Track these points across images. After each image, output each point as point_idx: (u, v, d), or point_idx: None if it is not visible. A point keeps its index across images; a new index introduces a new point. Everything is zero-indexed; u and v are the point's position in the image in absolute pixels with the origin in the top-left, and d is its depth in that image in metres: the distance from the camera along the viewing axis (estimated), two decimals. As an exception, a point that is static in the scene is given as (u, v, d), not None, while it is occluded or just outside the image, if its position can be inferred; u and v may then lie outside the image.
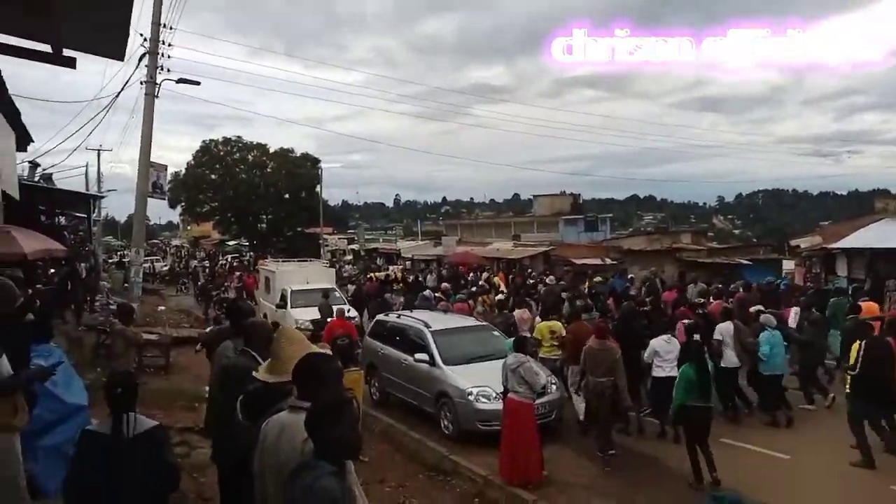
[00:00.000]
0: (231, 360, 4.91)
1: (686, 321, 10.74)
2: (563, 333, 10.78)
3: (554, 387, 9.51)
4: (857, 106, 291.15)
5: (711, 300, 14.30)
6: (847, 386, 8.33)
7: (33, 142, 17.56)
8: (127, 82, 17.81)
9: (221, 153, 52.24)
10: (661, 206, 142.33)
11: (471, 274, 27.15)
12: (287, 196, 51.99)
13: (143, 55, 17.26)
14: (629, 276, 23.29)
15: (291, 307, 17.55)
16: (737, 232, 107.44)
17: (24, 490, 4.83)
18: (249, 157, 52.82)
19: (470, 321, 12.39)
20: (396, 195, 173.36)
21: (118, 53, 6.92)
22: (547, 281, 22.06)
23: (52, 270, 18.26)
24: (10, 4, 5.29)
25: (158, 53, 17.32)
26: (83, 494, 3.81)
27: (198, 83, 18.66)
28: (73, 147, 38.46)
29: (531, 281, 22.40)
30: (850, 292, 15.74)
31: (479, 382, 9.21)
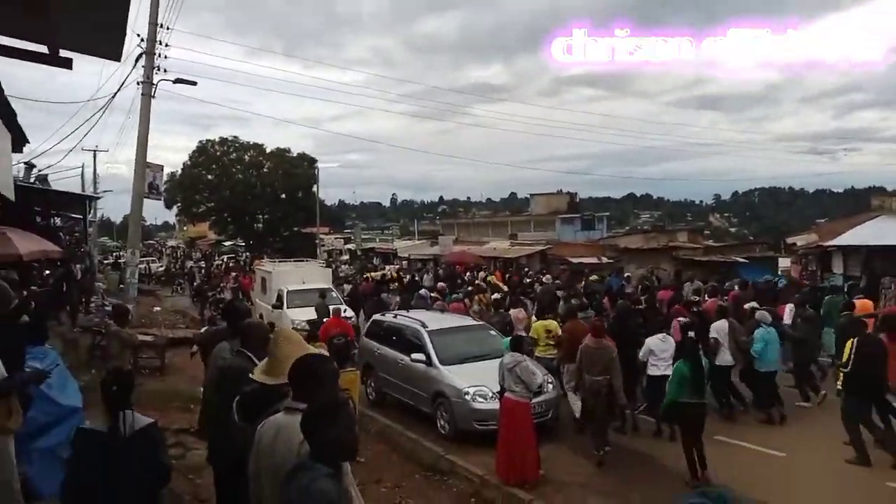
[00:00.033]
0: (227, 361, 4.90)
1: (681, 319, 10.76)
2: (559, 332, 10.79)
3: (550, 386, 9.52)
4: (856, 103, 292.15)
5: (706, 298, 14.33)
6: (839, 383, 8.37)
7: (29, 143, 17.56)
8: (123, 83, 17.73)
9: (218, 153, 52.18)
10: (658, 205, 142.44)
11: (467, 273, 27.16)
12: (284, 196, 51.97)
13: (140, 55, 17.19)
14: (626, 275, 23.31)
15: (288, 308, 17.54)
16: (733, 230, 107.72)
17: (18, 493, 4.81)
18: (246, 157, 52.78)
19: (467, 321, 12.39)
20: (393, 195, 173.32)
21: (115, 54, 6.89)
22: (543, 280, 22.08)
23: (48, 272, 18.25)
24: (8, 5, 5.26)
25: (155, 54, 17.25)
26: (80, 492, 3.84)
27: (194, 83, 18.60)
28: (69, 148, 38.21)
29: (528, 280, 22.42)
30: (846, 290, 15.78)
31: (476, 382, 9.21)
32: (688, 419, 7.77)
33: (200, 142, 52.88)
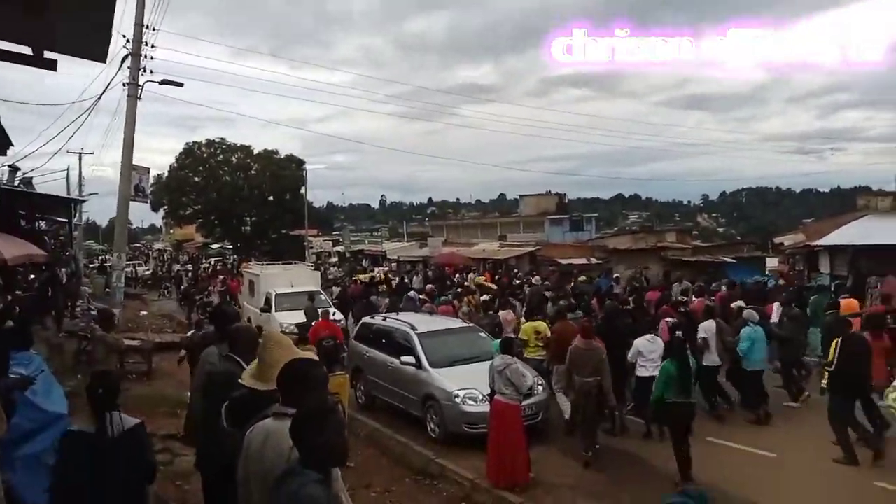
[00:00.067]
0: (216, 366, 4.86)
1: (669, 320, 10.80)
2: (548, 334, 10.80)
3: (540, 388, 9.52)
4: (841, 103, 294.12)
5: (694, 298, 14.40)
6: (823, 381, 8.44)
7: (13, 145, 17.30)
8: (109, 84, 17.60)
9: (205, 155, 51.91)
10: (647, 205, 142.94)
11: (457, 275, 27.15)
12: (271, 198, 51.77)
13: (126, 57, 17.06)
14: (615, 276, 23.38)
15: (276, 311, 17.46)
16: (721, 230, 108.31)
17: (2, 500, 4.75)
18: (233, 158, 52.54)
19: (456, 323, 12.38)
20: (382, 196, 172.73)
21: (100, 55, 6.82)
22: (533, 281, 22.12)
23: (33, 276, 18.05)
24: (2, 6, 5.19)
25: (141, 55, 17.14)
26: (67, 494, 3.86)
27: (181, 85, 18.48)
28: (54, 150, 37.95)
29: (517, 281, 22.44)
30: (832, 289, 15.90)
31: (466, 385, 9.19)
32: (676, 418, 7.80)
33: (187, 144, 52.67)
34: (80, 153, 39.31)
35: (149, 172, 24.43)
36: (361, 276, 28.56)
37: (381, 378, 10.96)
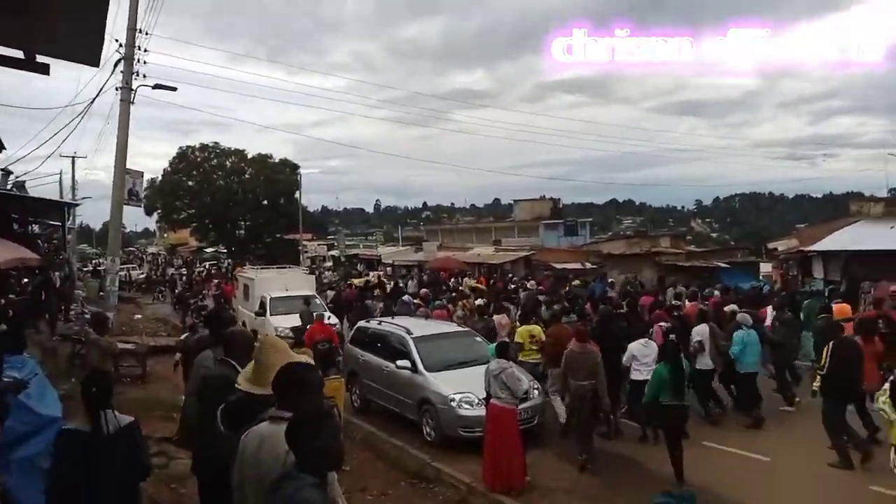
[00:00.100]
0: (211, 369, 4.85)
1: (663, 324, 10.83)
2: (543, 337, 10.82)
3: (536, 392, 9.52)
4: (833, 110, 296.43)
5: (686, 302, 14.44)
6: (815, 384, 8.48)
7: (5, 149, 17.28)
8: (102, 88, 17.57)
9: (199, 159, 51.90)
10: (641, 210, 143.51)
11: (452, 279, 27.16)
12: (265, 202, 51.76)
13: (119, 61, 17.05)
14: (610, 281, 23.43)
15: (271, 315, 17.39)
16: (714, 235, 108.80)
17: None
18: (227, 163, 52.54)
19: (452, 327, 12.36)
20: (377, 201, 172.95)
21: (93, 59, 6.81)
22: (528, 286, 22.14)
23: (26, 280, 18.00)
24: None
25: (134, 59, 17.12)
26: (63, 493, 3.89)
27: (174, 89, 18.46)
28: (47, 154, 37.91)
29: (512, 286, 22.47)
30: (826, 294, 15.96)
31: (462, 388, 9.18)
32: (669, 421, 7.82)
33: (181, 148, 52.74)
34: (74, 157, 39.26)
35: (142, 176, 24.35)
36: (356, 281, 28.52)
37: (376, 382, 10.94)
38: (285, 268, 24.65)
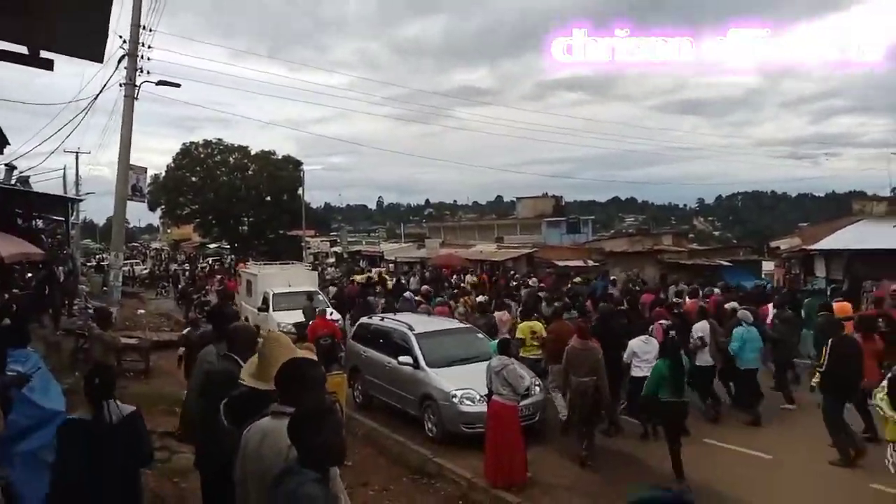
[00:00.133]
0: (214, 365, 4.86)
1: (663, 322, 10.85)
2: (544, 334, 10.84)
3: (537, 388, 9.54)
4: (835, 109, 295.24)
5: (687, 300, 14.44)
6: (813, 381, 8.51)
7: (9, 144, 17.30)
8: (106, 84, 17.66)
9: (202, 155, 51.93)
10: (643, 208, 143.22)
11: (454, 276, 27.17)
12: (268, 198, 51.80)
13: (123, 57, 17.10)
14: (612, 278, 23.43)
15: (273, 310, 17.46)
16: (717, 233, 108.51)
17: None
18: (230, 159, 52.55)
19: (454, 323, 12.39)
20: (379, 197, 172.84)
21: (97, 55, 6.83)
22: (530, 283, 22.15)
23: (30, 274, 18.04)
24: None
25: (138, 55, 17.17)
26: (67, 481, 3.94)
27: (178, 85, 18.54)
28: (51, 150, 37.96)
29: (514, 283, 22.48)
30: (828, 293, 15.96)
31: (464, 385, 9.21)
32: (669, 417, 7.84)
33: (184, 144, 52.75)
34: (77, 152, 39.31)
35: (146, 172, 24.47)
36: (358, 277, 28.56)
37: (378, 378, 10.97)
38: (288, 264, 24.70)
